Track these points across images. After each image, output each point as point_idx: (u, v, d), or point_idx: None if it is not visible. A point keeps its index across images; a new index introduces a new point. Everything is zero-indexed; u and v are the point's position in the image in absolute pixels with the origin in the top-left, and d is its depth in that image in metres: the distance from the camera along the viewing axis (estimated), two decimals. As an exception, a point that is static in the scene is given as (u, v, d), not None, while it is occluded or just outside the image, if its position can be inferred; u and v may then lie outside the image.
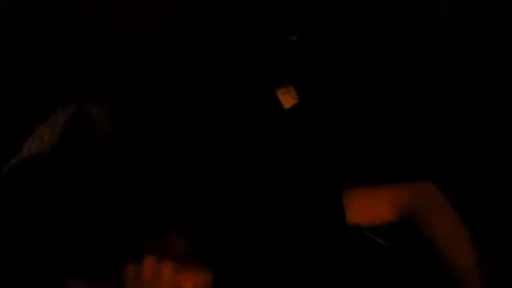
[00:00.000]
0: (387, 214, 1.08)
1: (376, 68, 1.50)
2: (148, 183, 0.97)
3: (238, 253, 0.97)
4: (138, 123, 1.18)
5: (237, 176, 1.10)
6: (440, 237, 1.02)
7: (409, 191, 1.10)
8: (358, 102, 1.47)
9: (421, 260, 1.02)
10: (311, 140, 1.32)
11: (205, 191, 1.04)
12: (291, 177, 1.16)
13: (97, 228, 0.87)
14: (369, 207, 1.09)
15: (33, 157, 1.02)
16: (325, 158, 1.35)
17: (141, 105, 1.25)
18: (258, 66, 1.45)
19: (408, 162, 1.41)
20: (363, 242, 1.06)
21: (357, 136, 1.44)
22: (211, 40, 1.46)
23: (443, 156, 1.41)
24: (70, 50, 1.48)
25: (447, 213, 1.06)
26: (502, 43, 1.45)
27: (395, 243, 1.08)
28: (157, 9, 1.49)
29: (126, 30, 1.46)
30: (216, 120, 1.22)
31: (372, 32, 1.51)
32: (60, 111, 1.17)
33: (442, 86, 1.47)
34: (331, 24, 1.52)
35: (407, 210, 1.07)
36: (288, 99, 1.39)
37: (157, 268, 0.84)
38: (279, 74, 1.44)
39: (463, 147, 1.41)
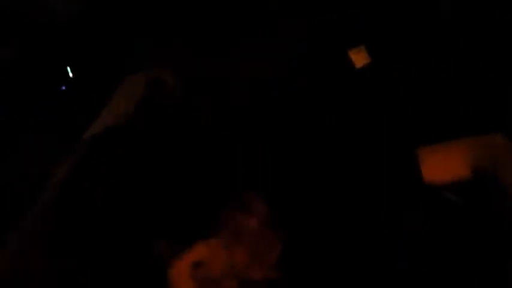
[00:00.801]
0: (461, 170, 1.05)
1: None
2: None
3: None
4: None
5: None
6: None
7: (481, 144, 1.07)
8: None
9: (493, 214, 1.00)
10: (383, 99, 1.32)
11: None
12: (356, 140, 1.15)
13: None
14: (444, 164, 1.07)
15: (108, 131, 0.99)
16: (398, 116, 1.35)
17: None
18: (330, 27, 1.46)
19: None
20: (439, 200, 1.05)
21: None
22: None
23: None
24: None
25: None
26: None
27: (466, 199, 1.06)
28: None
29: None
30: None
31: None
32: (133, 78, 1.13)
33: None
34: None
35: (479, 164, 1.04)
36: (359, 59, 1.40)
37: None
38: (351, 33, 1.45)
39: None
